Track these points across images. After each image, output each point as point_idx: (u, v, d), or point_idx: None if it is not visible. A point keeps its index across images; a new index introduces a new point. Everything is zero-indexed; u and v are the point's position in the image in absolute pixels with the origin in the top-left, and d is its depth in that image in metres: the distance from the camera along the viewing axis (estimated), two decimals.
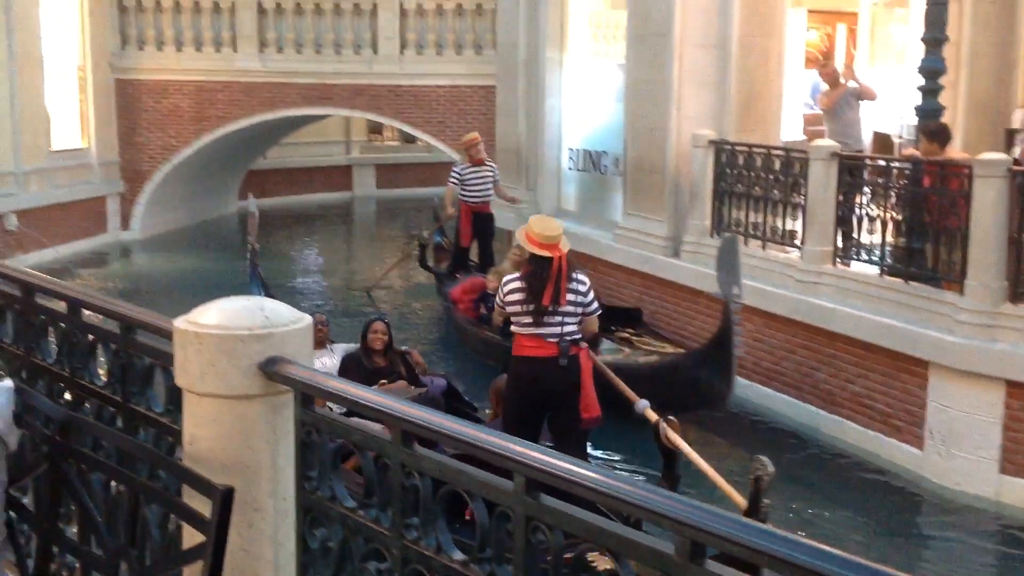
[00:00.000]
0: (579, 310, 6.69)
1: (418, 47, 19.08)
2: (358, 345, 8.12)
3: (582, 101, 14.11)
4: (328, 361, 8.06)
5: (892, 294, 8.67)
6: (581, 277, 6.79)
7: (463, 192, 12.89)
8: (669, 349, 10.25)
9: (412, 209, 26.00)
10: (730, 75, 11.09)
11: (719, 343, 8.20)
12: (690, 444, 6.15)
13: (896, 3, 13.87)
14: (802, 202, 9.61)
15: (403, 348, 8.60)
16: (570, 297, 6.62)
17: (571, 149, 14.19)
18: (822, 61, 13.14)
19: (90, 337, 3.22)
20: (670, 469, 5.93)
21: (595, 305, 6.83)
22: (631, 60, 12.20)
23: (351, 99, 19.31)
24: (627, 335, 10.69)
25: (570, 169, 14.26)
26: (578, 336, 6.71)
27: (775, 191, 9.99)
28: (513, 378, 6.82)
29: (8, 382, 3.05)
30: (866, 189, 9.21)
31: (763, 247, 10.17)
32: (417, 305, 14.98)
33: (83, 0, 18.31)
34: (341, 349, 8.48)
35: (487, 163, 13.15)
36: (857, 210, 9.16)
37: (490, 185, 13.04)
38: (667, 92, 11.37)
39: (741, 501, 5.42)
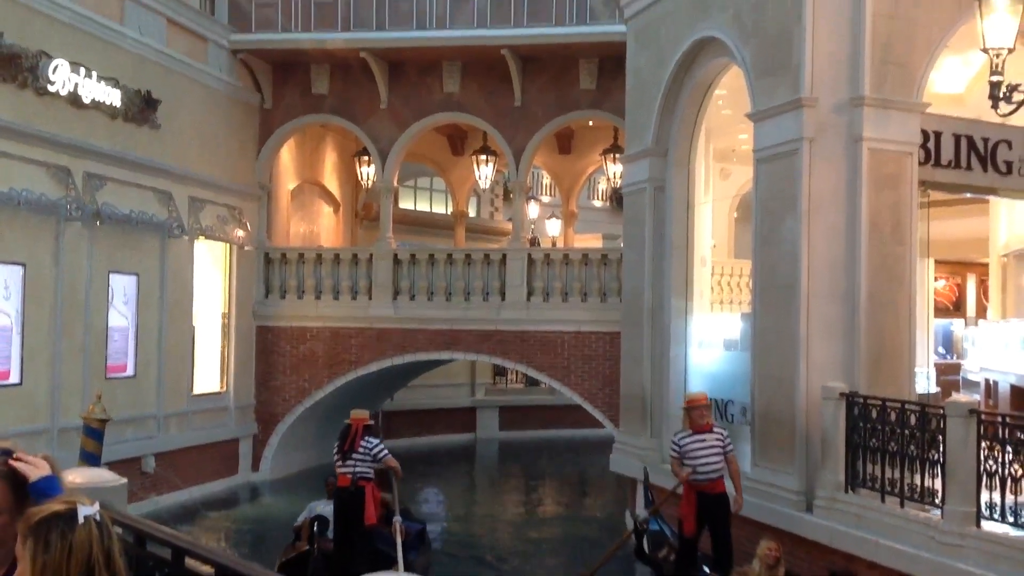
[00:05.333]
0: None
1: (545, 294, 19.58)
2: None
3: (708, 349, 14.16)
4: None
5: None
6: None
7: (686, 468, 10.62)
8: None
9: (535, 451, 26.02)
10: (859, 327, 11.04)
11: None
12: None
13: None
14: (940, 459, 9.29)
15: None
16: None
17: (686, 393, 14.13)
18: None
19: None
20: None
21: None
22: (757, 310, 12.26)
23: (478, 344, 19.76)
24: None
25: (683, 408, 14.13)
26: None
27: (911, 447, 9.71)
28: None
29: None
30: (1008, 448, 8.87)
31: (901, 505, 9.79)
32: None
33: (231, 253, 19.51)
34: None
35: (715, 428, 10.85)
36: (1001, 469, 8.80)
37: (719, 458, 10.66)
38: (795, 343, 11.33)
39: None
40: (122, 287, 16.26)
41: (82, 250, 15.18)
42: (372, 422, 12.05)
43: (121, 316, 16.28)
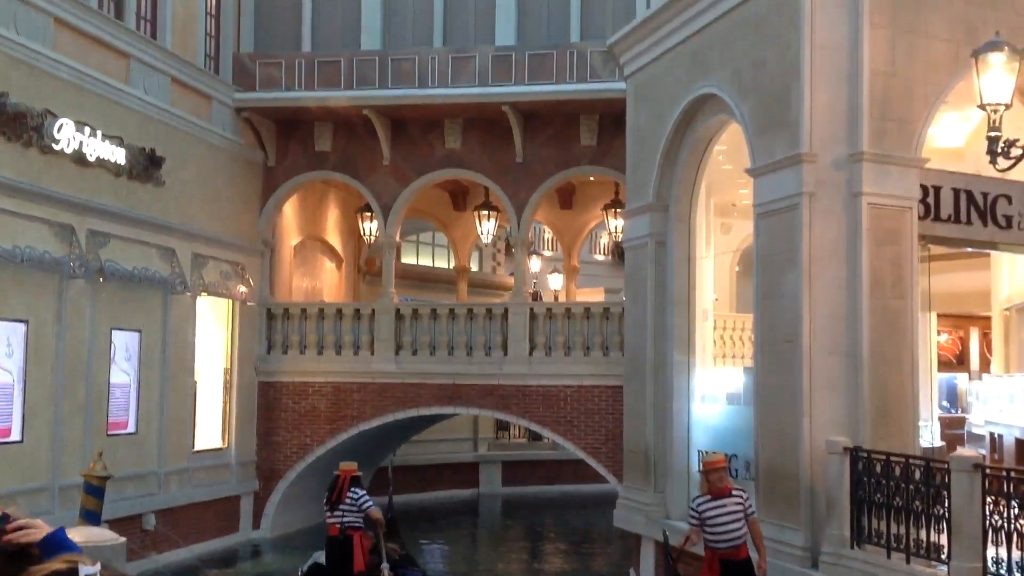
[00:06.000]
0: None
1: (547, 349, 19.56)
2: None
3: (711, 403, 14.12)
4: None
5: None
6: None
7: (706, 534, 9.81)
8: None
9: (539, 506, 25.85)
10: (862, 381, 11.02)
11: None
12: None
13: None
14: (946, 514, 9.24)
15: None
16: None
17: (700, 451, 14.07)
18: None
19: None
20: None
21: None
22: (760, 364, 12.24)
23: (481, 399, 19.72)
24: None
25: (700, 472, 14.07)
26: None
27: (916, 502, 9.65)
28: None
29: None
30: (1014, 503, 8.82)
31: (907, 561, 9.71)
32: None
33: (234, 309, 19.55)
34: None
35: (734, 491, 9.98)
36: (1007, 524, 8.74)
37: (741, 523, 9.80)
38: (797, 397, 11.31)
39: None
40: (124, 344, 16.27)
41: (85, 307, 15.21)
42: (359, 473, 12.66)
43: (123, 373, 16.28)
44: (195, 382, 18.41)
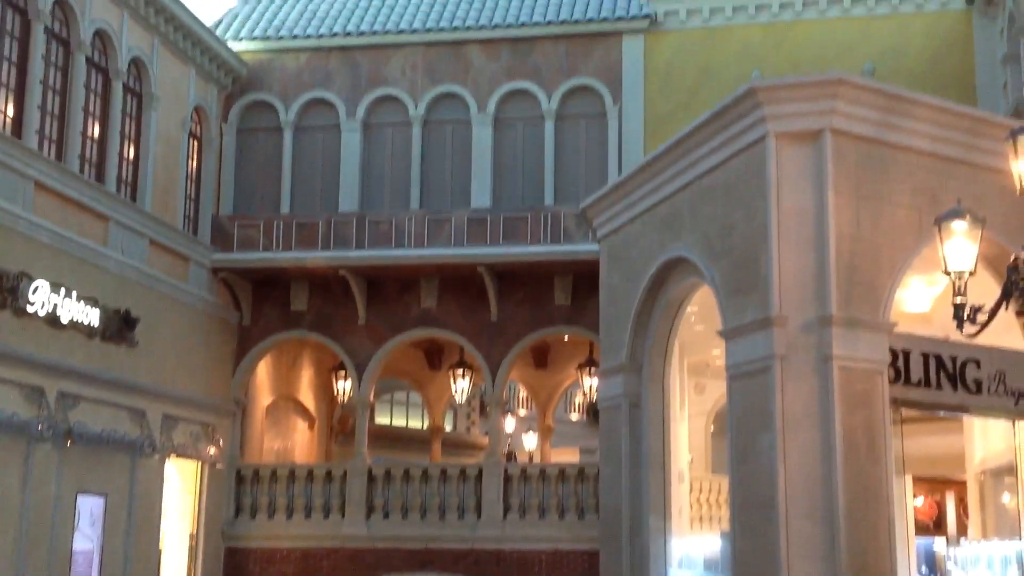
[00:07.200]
0: None
1: (521, 510, 19.25)
2: None
3: (688, 570, 13.85)
4: None
5: None
6: None
7: None
8: None
9: None
10: (839, 546, 10.86)
11: None
12: None
13: (1006, 472, 13.72)
14: None
15: None
16: None
17: None
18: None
19: None
20: None
21: None
22: (736, 529, 12.07)
23: (454, 564, 19.24)
24: None
25: None
26: None
27: None
28: None
29: None
30: None
31: None
32: None
33: (202, 472, 19.21)
34: None
35: None
36: None
37: None
38: (775, 564, 11.12)
39: None
40: (89, 509, 15.87)
41: (51, 471, 14.91)
42: None
43: (86, 539, 15.83)
44: (160, 550, 17.91)
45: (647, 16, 20.23)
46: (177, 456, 18.14)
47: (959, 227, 9.20)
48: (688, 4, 20.19)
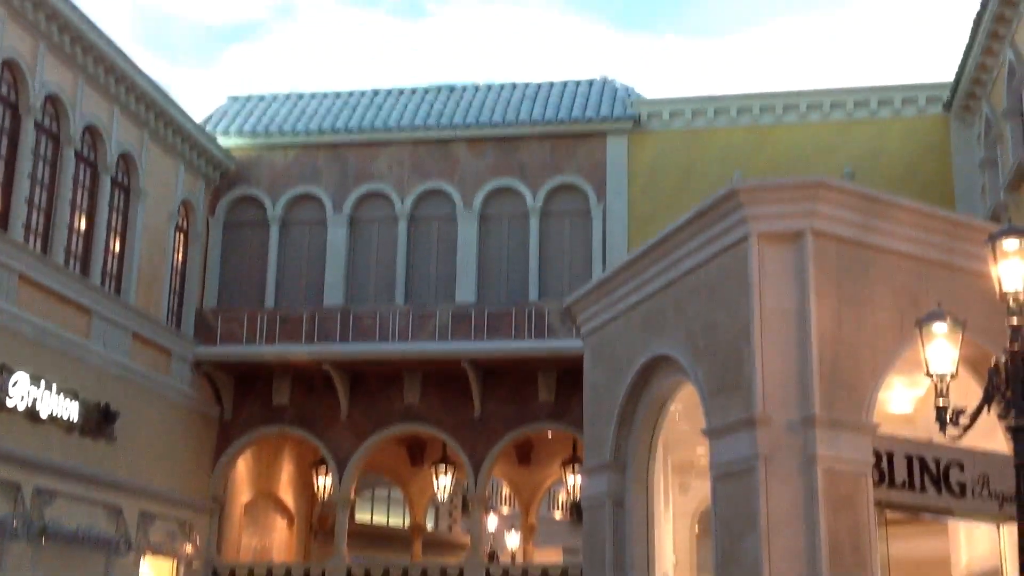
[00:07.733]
0: None
1: None
2: None
3: None
4: None
5: None
6: None
7: None
8: None
9: None
10: None
11: None
12: None
13: None
14: None
15: None
16: None
17: None
18: None
19: None
20: None
21: None
22: None
23: None
24: None
25: None
26: None
27: None
28: None
29: None
30: None
31: None
32: None
33: (177, 571, 18.87)
34: None
35: None
36: None
37: None
38: None
39: None
40: None
41: (24, 570, 14.60)
42: None
43: None
44: None
45: (631, 117, 20.60)
46: (153, 554, 17.82)
47: (940, 330, 9.24)
48: (671, 106, 20.56)
